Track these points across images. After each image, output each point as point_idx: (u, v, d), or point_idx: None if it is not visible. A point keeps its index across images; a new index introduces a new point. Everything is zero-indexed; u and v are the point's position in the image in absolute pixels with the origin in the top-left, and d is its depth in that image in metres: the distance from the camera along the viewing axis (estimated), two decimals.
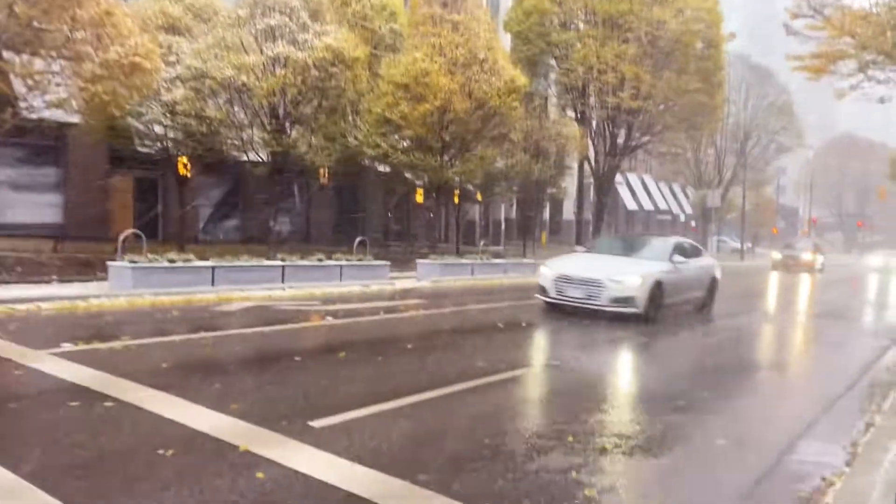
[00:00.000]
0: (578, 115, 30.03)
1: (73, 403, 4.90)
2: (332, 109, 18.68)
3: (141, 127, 18.09)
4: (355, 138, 20.60)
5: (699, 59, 29.57)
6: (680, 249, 12.56)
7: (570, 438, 4.82)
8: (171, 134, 17.98)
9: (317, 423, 4.79)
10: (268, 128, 17.48)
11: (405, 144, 21.21)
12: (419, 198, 27.80)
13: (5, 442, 4.21)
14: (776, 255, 35.67)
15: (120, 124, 17.68)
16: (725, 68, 31.81)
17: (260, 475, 3.84)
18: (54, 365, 6.02)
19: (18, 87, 13.29)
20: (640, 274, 10.88)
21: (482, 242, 26.86)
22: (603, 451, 4.60)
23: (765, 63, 48.46)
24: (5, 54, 12.63)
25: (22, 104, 13.43)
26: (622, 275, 10.87)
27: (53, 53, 13.04)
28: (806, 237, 44.69)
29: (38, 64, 13.13)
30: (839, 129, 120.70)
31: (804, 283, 26.94)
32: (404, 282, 16.37)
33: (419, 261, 18.49)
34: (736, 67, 42.58)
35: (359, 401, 5.43)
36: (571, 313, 11.24)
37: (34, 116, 14.37)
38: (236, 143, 18.45)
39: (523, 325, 10.78)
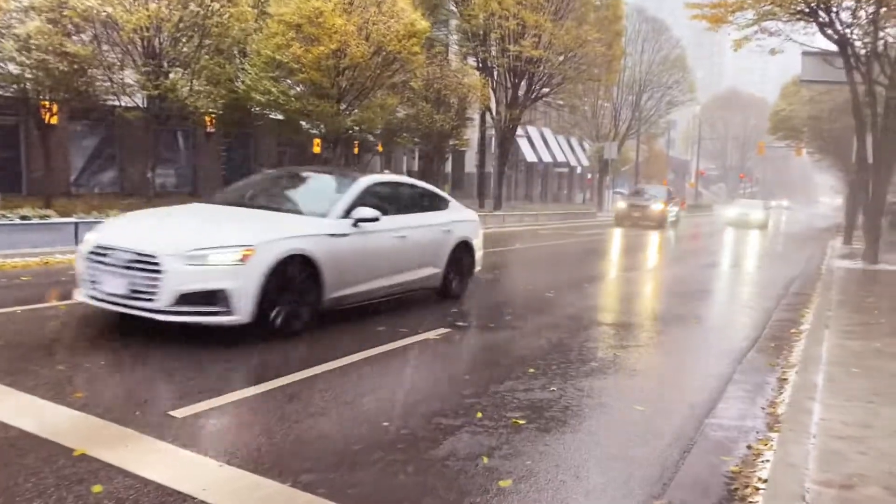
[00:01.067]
0: (480, 64, 29.34)
1: None
2: (217, 50, 17.06)
3: None
4: (243, 82, 19.07)
5: (598, 8, 29.47)
6: (376, 197, 7.17)
7: (480, 414, 4.27)
8: (28, 74, 15.87)
9: (179, 413, 3.99)
10: (142, 69, 15.73)
11: (299, 90, 19.87)
12: (316, 148, 26.42)
13: None
14: (621, 204, 29.49)
15: None
16: (624, 19, 31.93)
17: (97, 489, 3.03)
18: None
19: None
20: (249, 242, 5.59)
21: None
22: None
23: (660, 17, 49.36)
24: None
25: None
26: (208, 244, 5.55)
27: None
28: (651, 186, 36.94)
29: None
30: (724, 84, 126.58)
31: (633, 243, 21.34)
32: None
33: None
34: (632, 20, 43.06)
35: (234, 381, 4.67)
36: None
37: None
38: (107, 84, 16.56)
39: None
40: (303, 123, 22.74)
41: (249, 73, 18.81)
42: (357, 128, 21.84)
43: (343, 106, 20.24)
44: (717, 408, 4.79)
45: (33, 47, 14.59)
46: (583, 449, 3.91)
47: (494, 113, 30.75)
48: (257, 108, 21.56)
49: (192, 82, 16.45)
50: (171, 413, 3.98)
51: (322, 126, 21.00)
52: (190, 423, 3.88)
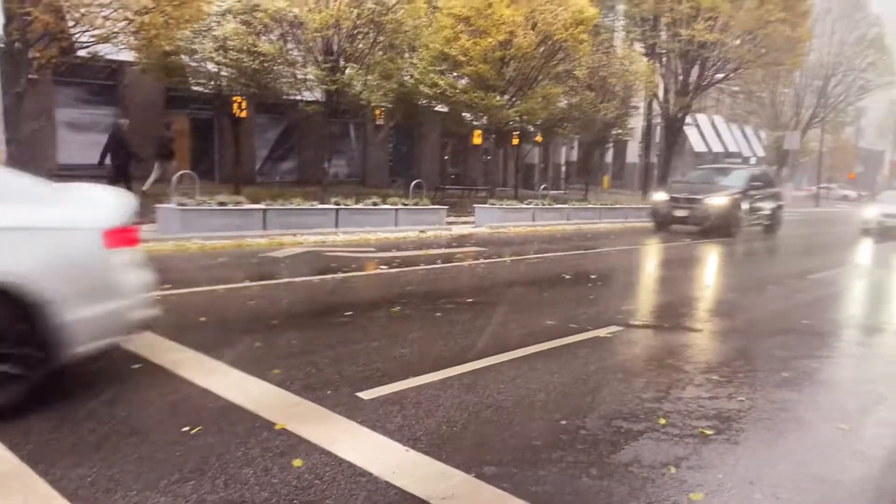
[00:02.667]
0: (648, 50, 28.11)
1: (96, 365, 4.40)
2: (389, 45, 17.71)
3: (194, 64, 17.59)
4: (411, 76, 19.65)
5: None
6: None
7: (663, 421, 4.08)
8: (223, 72, 17.43)
9: (366, 395, 4.18)
10: (321, 65, 16.70)
11: (464, 83, 20.15)
12: (477, 139, 26.72)
13: None
14: (660, 198, 18.87)
15: (174, 62, 17.22)
16: None
17: (297, 463, 3.24)
18: None
19: (64, 21, 12.82)
20: None
21: (542, 186, 25.75)
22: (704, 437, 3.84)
23: None
24: None
25: (70, 40, 13.00)
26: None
27: None
28: (722, 169, 22.30)
29: None
30: None
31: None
32: (461, 227, 15.66)
33: (477, 206, 17.68)
34: None
35: (414, 367, 4.81)
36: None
37: (83, 53, 13.99)
38: (290, 81, 17.78)
39: (593, 276, 9.96)
40: (465, 115, 23.08)
41: (418, 67, 19.34)
42: (519, 119, 21.79)
43: (507, 97, 20.26)
44: None
45: (229, 47, 15.98)
46: (780, 467, 3.60)
47: (662, 101, 29.38)
48: (423, 101, 22.17)
49: (366, 77, 17.19)
50: (359, 394, 4.17)
51: (485, 117, 21.18)
52: (376, 405, 4.04)
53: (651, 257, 13.70)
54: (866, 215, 22.13)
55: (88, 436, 3.42)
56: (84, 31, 12.96)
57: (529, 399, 4.36)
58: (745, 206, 17.84)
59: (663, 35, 27.05)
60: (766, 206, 19.27)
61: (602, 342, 5.95)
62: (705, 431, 3.98)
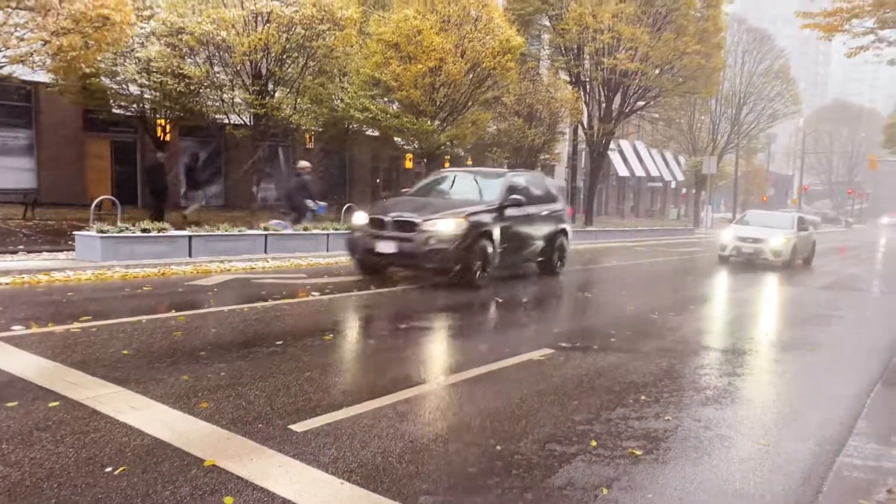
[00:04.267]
0: (573, 79, 29.08)
1: (11, 404, 4.16)
2: (320, 70, 17.68)
3: (115, 87, 17.09)
4: (342, 101, 19.66)
5: (698, 19, 28.62)
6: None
7: (594, 443, 4.17)
8: (147, 94, 16.99)
9: (299, 427, 4.10)
10: (250, 89, 16.50)
11: (394, 108, 20.29)
12: (408, 164, 26.92)
13: None
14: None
15: (94, 84, 16.68)
16: (725, 30, 30.87)
17: (228, 501, 3.14)
18: None
19: None
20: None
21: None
22: None
23: (761, 26, 47.41)
24: None
25: None
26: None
27: (13, 4, 12.00)
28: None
29: None
30: (829, 95, 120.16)
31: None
32: None
33: None
34: (732, 30, 41.58)
35: (348, 397, 4.75)
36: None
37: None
38: (217, 104, 17.48)
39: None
40: (397, 140, 23.21)
41: (348, 92, 19.36)
42: (450, 143, 22.06)
43: (437, 122, 20.51)
44: (849, 445, 4.47)
45: (153, 69, 15.60)
46: (707, 484, 3.73)
47: (587, 127, 30.36)
48: (354, 126, 22.19)
49: (296, 101, 17.08)
50: (291, 427, 4.09)
51: (416, 142, 21.37)
52: (309, 437, 3.97)
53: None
54: (723, 240, 18.92)
55: (1, 481, 3.22)
56: None
57: (464, 426, 4.38)
58: (496, 232, 10.92)
59: (587, 64, 28.05)
60: (539, 233, 12.52)
61: (534, 365, 6.03)
62: (635, 451, 4.09)
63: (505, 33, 20.03)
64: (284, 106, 17.12)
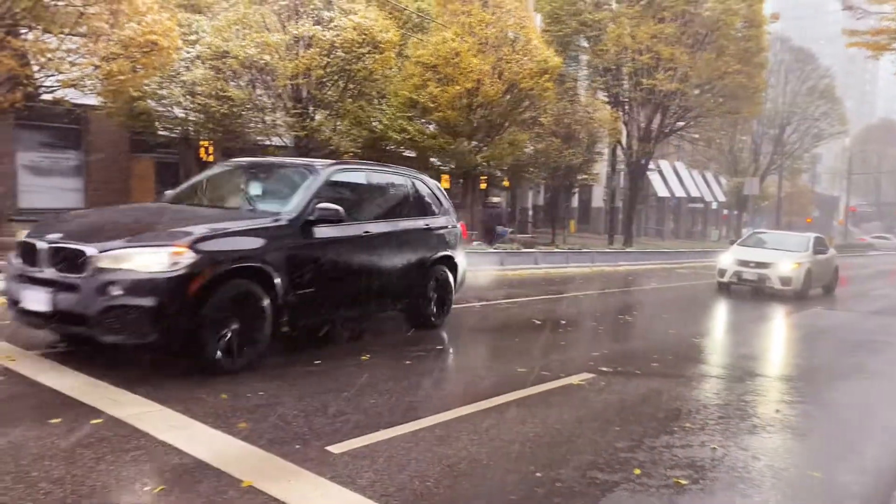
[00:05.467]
0: (611, 99, 28.93)
1: (54, 420, 4.21)
2: (359, 93, 17.90)
3: (161, 109, 17.53)
4: (380, 122, 19.86)
5: (739, 39, 28.27)
6: None
7: (637, 471, 4.04)
8: (191, 116, 17.40)
9: (336, 448, 4.06)
10: (291, 111, 16.78)
11: (431, 129, 20.43)
12: (444, 184, 26.99)
13: None
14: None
15: (140, 107, 17.13)
16: (767, 49, 30.43)
17: None
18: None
19: (28, 66, 12.70)
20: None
21: (509, 230, 25.98)
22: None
23: (804, 45, 46.67)
24: (14, 31, 12.03)
25: (35, 84, 12.86)
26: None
27: (66, 30, 12.44)
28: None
29: (51, 41, 12.55)
30: (877, 114, 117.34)
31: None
32: None
33: None
34: (775, 50, 40.99)
35: (385, 418, 4.71)
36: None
37: (48, 97, 13.84)
38: (259, 126, 17.81)
39: (563, 321, 9.98)
40: (433, 160, 23.33)
41: (387, 114, 19.55)
42: (487, 164, 22.08)
43: (474, 143, 20.56)
44: None
45: (197, 92, 15.98)
46: None
47: (625, 147, 30.13)
48: (392, 146, 22.38)
49: (335, 124, 17.31)
50: (328, 448, 4.05)
51: (452, 162, 21.43)
52: (346, 460, 3.92)
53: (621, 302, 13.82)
54: (721, 264, 15.88)
55: (44, 498, 3.24)
56: (49, 76, 12.86)
57: (503, 450, 4.29)
58: (278, 268, 5.89)
59: (626, 84, 27.91)
60: (395, 264, 7.52)
61: (575, 390, 5.92)
62: (680, 481, 3.95)
63: (542, 54, 20.05)
64: (324, 128, 17.36)
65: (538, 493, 3.68)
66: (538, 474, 3.92)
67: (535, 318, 9.96)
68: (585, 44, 28.79)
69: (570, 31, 27.45)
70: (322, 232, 6.32)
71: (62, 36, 12.39)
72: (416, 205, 8.13)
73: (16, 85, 12.44)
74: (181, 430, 4.19)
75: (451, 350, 7.37)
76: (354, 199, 7.13)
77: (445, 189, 26.77)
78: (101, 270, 5.12)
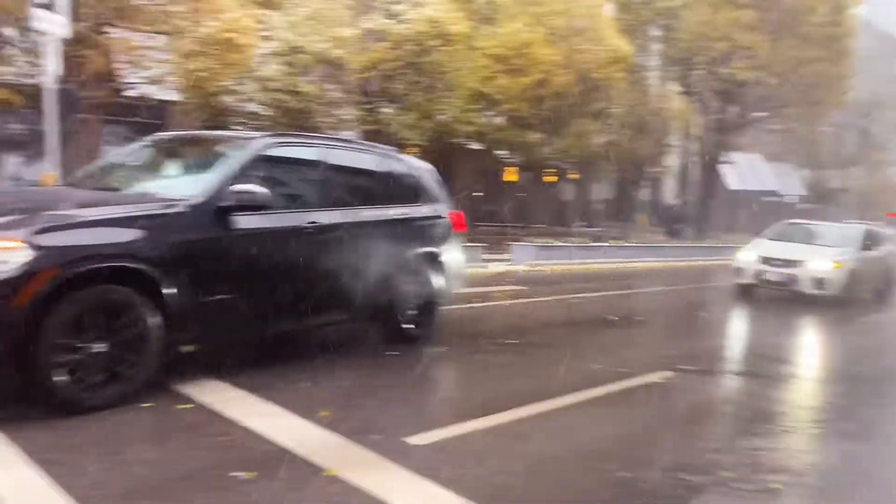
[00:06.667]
0: (684, 89, 28.08)
1: (145, 405, 4.36)
2: (429, 87, 17.92)
3: (235, 105, 18.00)
4: (448, 115, 19.84)
5: (822, 25, 26.90)
6: None
7: (728, 474, 3.88)
8: (263, 112, 17.79)
9: (415, 440, 4.05)
10: (360, 105, 16.97)
11: (498, 121, 20.30)
12: (512, 176, 26.77)
13: None
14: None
15: (214, 102, 17.65)
16: (853, 35, 28.87)
17: None
18: None
19: (116, 63, 13.25)
20: None
21: (579, 224, 25.60)
22: None
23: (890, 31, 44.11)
24: (103, 29, 12.56)
25: (120, 81, 13.43)
26: None
27: (149, 28, 12.92)
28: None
29: (137, 40, 13.06)
30: None
31: None
32: (498, 265, 15.52)
33: (514, 243, 17.59)
34: (860, 36, 38.85)
35: (461, 412, 4.68)
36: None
37: (133, 94, 14.42)
38: (329, 120, 18.08)
39: (639, 318, 9.75)
40: (498, 153, 23.19)
41: (456, 105, 19.52)
42: (555, 156, 21.79)
43: (542, 135, 20.32)
44: None
45: (271, 88, 16.35)
46: None
47: (698, 138, 29.21)
48: (458, 140, 22.33)
49: (406, 116, 17.40)
50: (408, 440, 4.05)
51: (519, 155, 21.24)
52: (426, 452, 3.91)
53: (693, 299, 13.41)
54: (739, 262, 13.12)
55: (138, 479, 3.36)
56: (134, 73, 13.40)
57: (585, 449, 4.20)
58: (170, 269, 4.47)
59: (700, 73, 27.02)
60: (355, 263, 5.79)
61: (656, 388, 5.75)
62: (775, 486, 3.78)
63: (613, 43, 19.61)
64: (393, 121, 17.48)
65: (621, 492, 3.58)
66: (621, 474, 3.81)
67: (608, 314, 9.76)
68: (658, 32, 28.00)
69: (643, 19, 26.73)
70: (244, 222, 4.90)
71: (149, 34, 12.88)
72: (393, 191, 6.57)
73: (105, 82, 13.02)
74: (265, 418, 4.26)
75: (524, 344, 7.28)
76: (300, 182, 5.78)
77: (512, 182, 26.33)
78: None
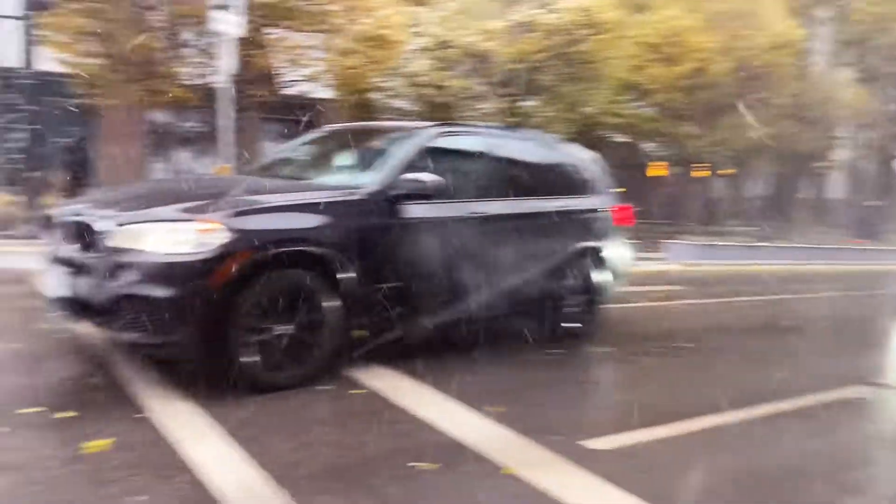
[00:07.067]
0: (861, 76, 25.54)
1: (328, 387, 4.42)
2: (578, 77, 17.47)
3: (382, 100, 18.46)
4: (594, 107, 19.27)
5: None
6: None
7: None
8: (408, 107, 18.10)
9: (594, 444, 3.80)
10: (504, 98, 16.83)
11: (648, 112, 19.44)
12: (659, 171, 25.59)
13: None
14: None
15: (362, 99, 18.20)
16: None
17: None
18: None
19: (276, 62, 13.92)
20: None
21: (732, 223, 24.01)
22: None
23: None
24: (264, 30, 13.21)
25: (280, 79, 14.12)
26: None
27: (308, 27, 13.46)
28: None
29: (295, 39, 13.66)
30: None
31: None
32: (652, 263, 14.83)
33: (669, 241, 16.76)
34: None
35: (641, 417, 4.35)
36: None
37: (291, 92, 15.14)
38: (474, 114, 18.11)
39: (822, 325, 8.87)
40: (646, 146, 22.21)
41: (602, 96, 18.92)
42: (710, 149, 20.56)
43: (696, 127, 19.22)
44: None
45: (419, 83, 16.61)
46: None
47: (872, 130, 26.49)
48: (605, 132, 21.63)
49: (552, 108, 17.08)
50: (587, 442, 3.81)
51: (671, 148, 20.22)
52: (608, 456, 3.66)
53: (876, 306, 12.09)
54: None
55: (325, 461, 3.38)
56: (293, 71, 14.05)
57: (785, 465, 3.77)
58: (343, 253, 4.49)
59: (879, 58, 24.46)
60: (516, 255, 5.69)
61: (853, 405, 5.13)
62: None
63: (780, 26, 18.14)
64: (537, 113, 17.19)
65: None
66: (830, 497, 3.37)
67: (779, 320, 8.96)
68: (830, 14, 25.65)
69: (812, 1, 24.59)
70: (412, 211, 4.88)
71: (308, 32, 13.44)
72: (556, 181, 6.34)
73: (266, 80, 13.75)
74: (435, 408, 4.19)
75: (694, 349, 6.80)
76: (463, 172, 5.55)
77: (661, 177, 25.16)
78: (115, 250, 4.00)
